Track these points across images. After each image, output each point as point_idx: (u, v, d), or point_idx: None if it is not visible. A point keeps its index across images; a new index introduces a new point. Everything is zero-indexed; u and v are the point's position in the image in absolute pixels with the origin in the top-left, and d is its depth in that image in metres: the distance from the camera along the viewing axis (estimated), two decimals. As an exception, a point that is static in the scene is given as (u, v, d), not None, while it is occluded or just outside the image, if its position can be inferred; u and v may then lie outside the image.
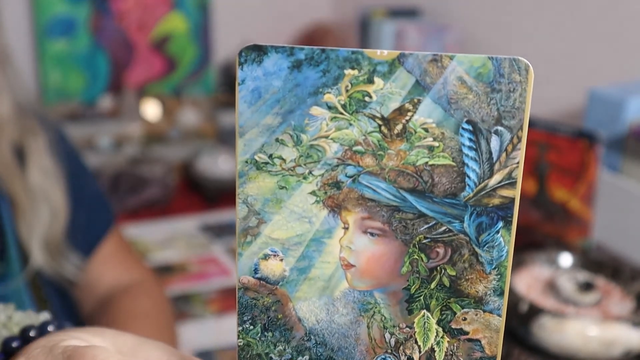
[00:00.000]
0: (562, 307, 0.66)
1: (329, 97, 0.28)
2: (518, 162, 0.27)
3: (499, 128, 0.27)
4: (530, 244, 0.98)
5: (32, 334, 0.37)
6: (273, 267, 0.30)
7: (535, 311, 0.63)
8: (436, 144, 0.28)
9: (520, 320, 0.64)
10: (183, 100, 1.67)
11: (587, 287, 0.67)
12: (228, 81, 1.73)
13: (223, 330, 0.98)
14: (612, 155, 0.91)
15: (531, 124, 0.91)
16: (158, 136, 1.52)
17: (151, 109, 1.62)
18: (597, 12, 1.15)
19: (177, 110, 1.59)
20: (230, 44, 1.75)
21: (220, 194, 1.34)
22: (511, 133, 0.27)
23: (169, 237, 1.18)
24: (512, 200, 0.28)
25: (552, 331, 0.62)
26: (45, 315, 0.41)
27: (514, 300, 0.65)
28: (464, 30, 1.41)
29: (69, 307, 0.68)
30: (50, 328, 0.38)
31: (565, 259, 0.73)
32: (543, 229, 0.93)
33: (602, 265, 0.72)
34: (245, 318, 0.30)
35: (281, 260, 0.30)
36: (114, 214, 0.77)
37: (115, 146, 1.49)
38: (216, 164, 1.36)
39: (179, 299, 0.98)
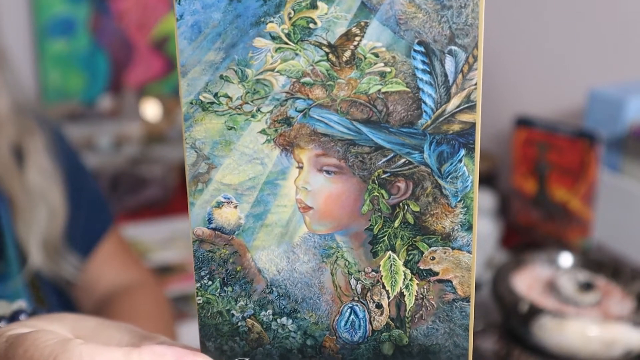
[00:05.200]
0: (562, 307, 0.66)
1: (272, 26, 0.26)
2: (476, 84, 0.26)
3: (453, 48, 0.26)
4: (530, 244, 0.97)
5: (1, 324, 0.36)
6: (227, 216, 0.28)
7: (535, 311, 0.63)
8: (388, 69, 0.26)
9: (521, 320, 0.64)
10: (183, 100, 1.67)
11: (587, 287, 0.67)
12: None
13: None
14: (612, 155, 0.91)
15: (531, 124, 0.91)
16: (158, 136, 1.52)
17: (151, 109, 1.62)
18: (598, 11, 1.15)
19: (177, 110, 1.59)
20: (230, 43, 1.75)
21: (220, 194, 1.34)
22: (466, 52, 0.25)
23: (169, 237, 1.18)
24: (473, 125, 0.26)
25: (552, 331, 0.62)
26: (19, 304, 0.40)
27: (514, 300, 0.65)
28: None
29: (69, 308, 0.68)
30: (22, 317, 0.37)
31: (566, 259, 0.73)
32: (543, 229, 0.93)
33: (602, 265, 0.72)
34: (202, 273, 0.29)
35: (235, 207, 0.28)
36: (112, 215, 0.76)
37: (115, 146, 1.49)
38: (216, 164, 1.35)
39: (179, 299, 0.98)
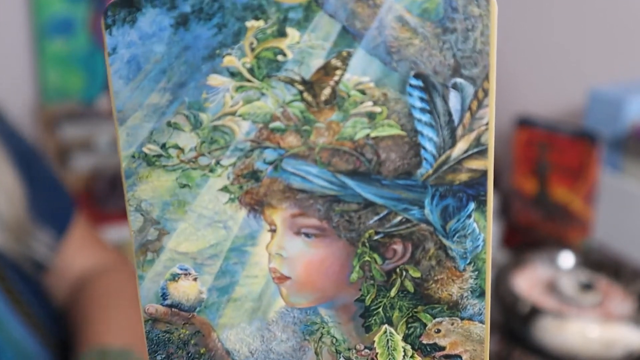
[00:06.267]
0: (563, 308, 0.66)
1: (230, 60, 0.21)
2: (487, 123, 0.22)
3: (458, 80, 0.21)
4: (530, 244, 0.97)
5: None
6: (186, 290, 0.23)
7: (536, 312, 0.63)
8: (378, 109, 0.21)
9: (521, 321, 0.63)
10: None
11: (588, 287, 0.67)
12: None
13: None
14: (613, 154, 0.91)
15: (532, 124, 0.90)
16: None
17: (150, 109, 1.61)
18: (598, 11, 1.15)
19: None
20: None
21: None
22: (475, 85, 0.22)
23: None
24: (484, 173, 0.22)
25: (553, 332, 0.61)
26: None
27: (514, 300, 0.64)
28: (464, 30, 1.41)
29: (38, 295, 0.67)
30: None
31: (566, 259, 0.73)
32: (544, 229, 0.92)
33: (603, 265, 0.72)
34: (159, 358, 0.24)
35: (195, 279, 0.23)
36: (72, 198, 0.76)
37: (114, 146, 1.49)
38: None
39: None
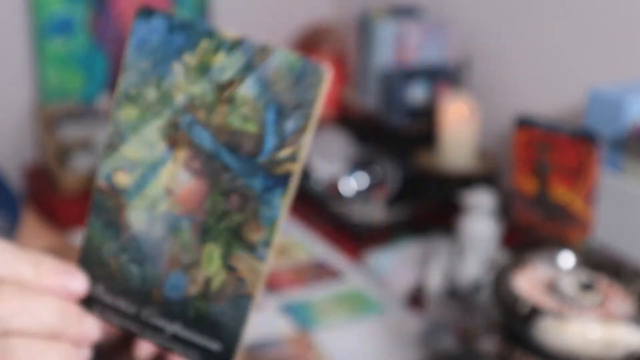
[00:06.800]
0: (563, 308, 0.66)
1: (187, 57, 0.36)
2: (303, 144, 0.34)
3: (296, 113, 0.34)
4: (531, 244, 0.97)
5: None
6: (121, 179, 0.37)
7: (536, 312, 0.63)
8: (249, 113, 0.35)
9: (522, 321, 0.63)
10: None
11: (588, 287, 0.67)
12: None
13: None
14: (613, 154, 0.91)
15: (532, 124, 0.91)
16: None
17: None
18: (598, 11, 1.15)
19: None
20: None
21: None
22: (303, 120, 0.34)
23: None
24: (293, 173, 0.35)
25: (553, 332, 0.61)
26: None
27: (515, 300, 0.64)
28: (464, 30, 1.41)
29: None
30: None
31: (567, 259, 0.73)
32: (544, 229, 0.92)
33: (603, 265, 0.72)
34: (93, 213, 0.38)
35: (127, 175, 0.37)
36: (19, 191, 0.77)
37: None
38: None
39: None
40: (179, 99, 0.36)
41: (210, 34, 0.35)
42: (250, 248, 0.35)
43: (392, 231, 1.25)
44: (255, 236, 0.35)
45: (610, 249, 0.89)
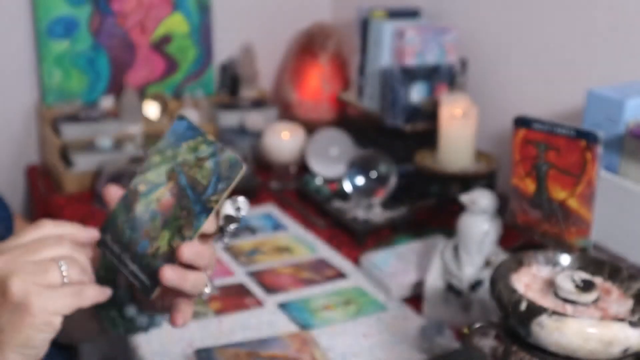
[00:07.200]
0: (561, 307, 0.66)
1: (189, 142, 0.62)
2: (223, 196, 0.59)
3: (225, 181, 0.59)
4: (529, 244, 0.98)
5: None
6: (141, 188, 0.63)
7: (534, 310, 0.63)
8: (206, 175, 0.60)
9: (520, 319, 0.64)
10: (184, 101, 1.67)
11: (586, 286, 0.67)
12: (228, 82, 1.73)
13: (224, 328, 0.98)
14: (611, 155, 0.91)
15: (530, 124, 0.91)
16: (159, 136, 1.51)
17: (152, 110, 1.62)
18: (597, 12, 1.16)
19: (177, 111, 1.59)
20: (230, 44, 1.75)
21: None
22: (227, 185, 0.59)
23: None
24: (213, 208, 0.59)
25: (551, 330, 0.62)
26: None
27: (513, 299, 0.65)
28: (464, 31, 1.42)
29: None
30: None
31: (564, 259, 0.74)
32: (542, 229, 0.93)
33: (600, 264, 0.72)
34: (122, 199, 0.63)
35: (144, 186, 0.63)
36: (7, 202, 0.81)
37: (116, 146, 1.49)
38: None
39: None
40: (179, 159, 0.61)
41: (202, 134, 0.61)
42: (183, 238, 0.60)
43: (392, 231, 1.25)
44: (187, 233, 0.60)
45: (607, 249, 0.89)
